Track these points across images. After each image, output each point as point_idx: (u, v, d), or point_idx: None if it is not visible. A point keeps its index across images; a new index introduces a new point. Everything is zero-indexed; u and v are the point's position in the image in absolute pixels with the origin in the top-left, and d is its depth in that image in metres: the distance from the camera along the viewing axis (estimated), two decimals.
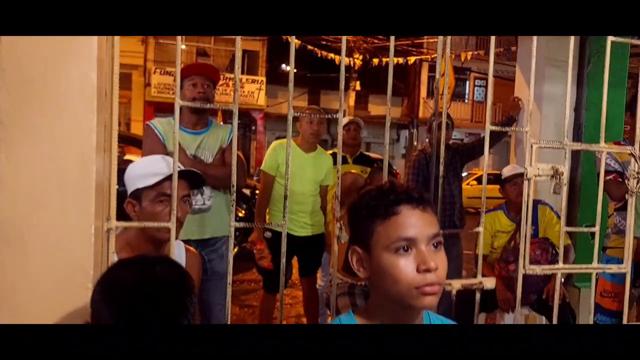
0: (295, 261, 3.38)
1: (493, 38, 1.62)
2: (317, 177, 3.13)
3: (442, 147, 1.98)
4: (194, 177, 1.67)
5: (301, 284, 3.80)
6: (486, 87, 17.67)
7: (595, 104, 3.10)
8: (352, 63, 12.80)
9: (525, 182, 1.61)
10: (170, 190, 1.54)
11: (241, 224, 1.94)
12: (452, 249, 3.38)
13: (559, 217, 2.96)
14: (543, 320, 2.88)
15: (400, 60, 12.07)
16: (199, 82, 2.44)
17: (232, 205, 1.59)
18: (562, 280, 2.84)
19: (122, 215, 1.48)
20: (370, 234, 0.95)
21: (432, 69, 16.51)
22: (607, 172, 2.36)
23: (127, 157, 5.19)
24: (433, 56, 9.80)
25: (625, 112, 2.57)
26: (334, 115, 1.61)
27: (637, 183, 1.59)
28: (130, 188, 1.57)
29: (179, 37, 1.43)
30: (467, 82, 18.18)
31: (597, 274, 2.63)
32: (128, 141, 5.42)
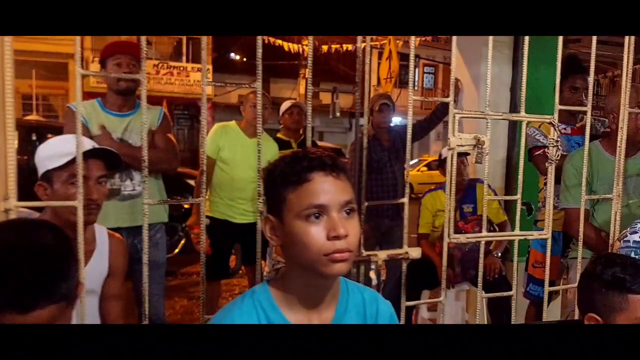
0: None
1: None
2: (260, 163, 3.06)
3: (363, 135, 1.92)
4: (110, 157, 1.58)
5: (246, 273, 3.74)
6: (436, 73, 18.07)
7: (532, 83, 3.18)
8: (301, 50, 12.69)
9: (449, 152, 1.62)
10: (84, 171, 1.44)
11: (154, 201, 1.85)
12: (396, 229, 3.41)
13: (496, 194, 3.04)
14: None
15: (350, 46, 12.04)
16: (124, 62, 2.32)
17: (145, 182, 1.50)
18: (499, 254, 2.92)
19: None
20: (283, 201, 0.93)
21: (382, 55, 16.51)
22: (536, 148, 2.43)
23: None
24: (382, 42, 9.84)
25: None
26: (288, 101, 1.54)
27: (556, 151, 1.62)
28: (40, 170, 1.49)
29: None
30: (417, 69, 18.44)
31: (528, 246, 2.73)
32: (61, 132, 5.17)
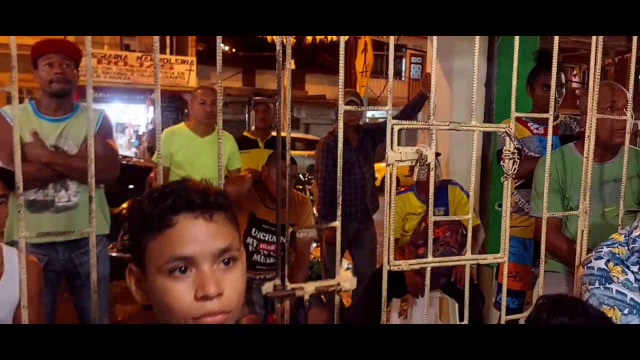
0: None
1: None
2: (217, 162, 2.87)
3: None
4: (10, 176, 1.42)
5: None
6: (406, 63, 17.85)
7: (506, 78, 3.01)
8: (286, 41, 12.38)
9: (387, 169, 1.44)
10: None
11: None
12: (365, 233, 3.25)
13: (468, 196, 2.87)
14: (455, 304, 2.81)
15: (334, 38, 11.83)
16: (56, 61, 2.10)
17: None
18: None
19: None
20: (144, 250, 0.75)
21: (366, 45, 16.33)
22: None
23: None
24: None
25: (527, 86, 2.48)
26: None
27: (513, 164, 1.45)
28: None
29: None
30: (404, 60, 18.22)
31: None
32: None
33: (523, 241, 2.38)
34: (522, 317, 1.69)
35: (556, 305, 0.88)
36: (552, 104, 1.59)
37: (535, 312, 0.90)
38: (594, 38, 1.53)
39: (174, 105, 16.43)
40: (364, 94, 5.63)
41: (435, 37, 1.53)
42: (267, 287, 1.31)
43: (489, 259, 1.59)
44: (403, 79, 18.27)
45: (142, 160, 7.05)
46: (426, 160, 1.39)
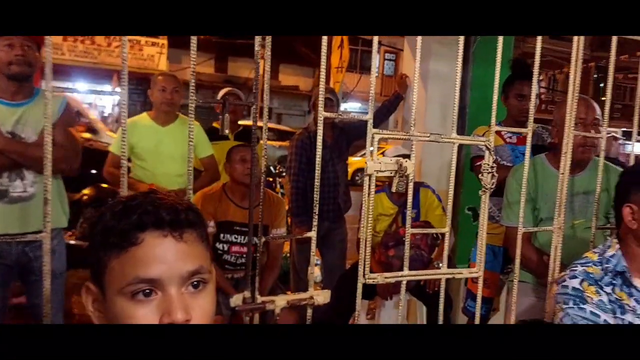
0: None
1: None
2: (183, 152, 2.78)
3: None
4: None
5: None
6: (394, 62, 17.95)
7: (480, 84, 3.04)
8: None
9: (366, 179, 1.42)
10: None
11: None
12: (336, 233, 3.24)
13: (440, 200, 2.89)
14: (423, 307, 2.83)
15: None
16: (17, 43, 1.98)
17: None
18: (440, 265, 2.78)
19: None
20: (104, 269, 0.69)
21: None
22: (478, 157, 2.28)
23: None
24: None
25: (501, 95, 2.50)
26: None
27: (492, 178, 1.45)
28: None
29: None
30: (377, 56, 18.25)
31: (468, 258, 2.60)
32: None
33: (492, 248, 2.40)
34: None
35: None
36: (531, 119, 1.59)
37: None
38: (572, 59, 1.54)
39: (142, 88, 16.02)
40: (338, 89, 5.60)
41: (419, 38, 1.51)
42: (236, 300, 1.27)
43: (464, 273, 1.59)
44: (377, 74, 18.33)
45: (103, 142, 6.84)
46: (406, 172, 1.37)
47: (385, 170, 1.40)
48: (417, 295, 2.80)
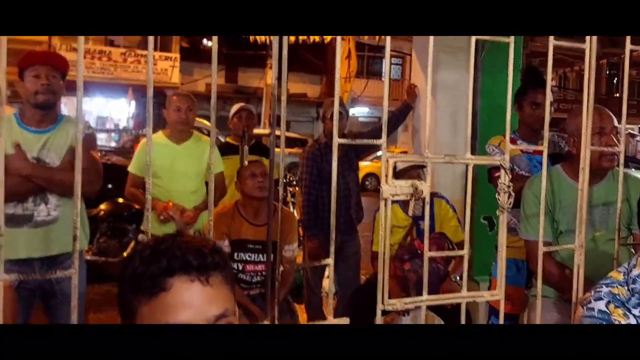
0: None
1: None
2: (197, 169, 2.81)
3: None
4: None
5: None
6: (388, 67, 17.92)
7: (490, 91, 3.00)
8: (268, 41, 12.36)
9: (381, 203, 1.39)
10: None
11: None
12: (349, 245, 3.20)
13: (454, 210, 2.85)
14: (440, 322, 2.78)
15: (317, 38, 11.79)
16: (43, 73, 2.07)
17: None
18: (458, 278, 2.74)
19: None
20: (134, 314, 0.71)
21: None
22: (495, 168, 2.23)
23: None
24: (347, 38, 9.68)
25: (514, 103, 2.45)
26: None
27: (509, 198, 1.41)
28: None
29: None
30: (384, 60, 18.26)
31: (490, 273, 2.55)
32: None
33: (516, 262, 2.34)
34: None
35: None
36: (546, 135, 1.54)
37: None
38: (586, 75, 1.49)
39: (156, 101, 16.21)
40: (347, 99, 5.58)
41: (430, 47, 1.48)
42: None
43: (486, 296, 1.56)
44: (383, 79, 18.30)
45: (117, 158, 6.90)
46: (422, 195, 1.34)
47: (400, 194, 1.37)
48: (435, 310, 2.75)
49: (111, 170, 4.72)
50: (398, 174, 2.85)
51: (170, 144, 2.80)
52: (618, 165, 1.68)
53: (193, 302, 0.69)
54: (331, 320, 1.33)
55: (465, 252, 1.51)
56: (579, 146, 1.64)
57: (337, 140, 1.34)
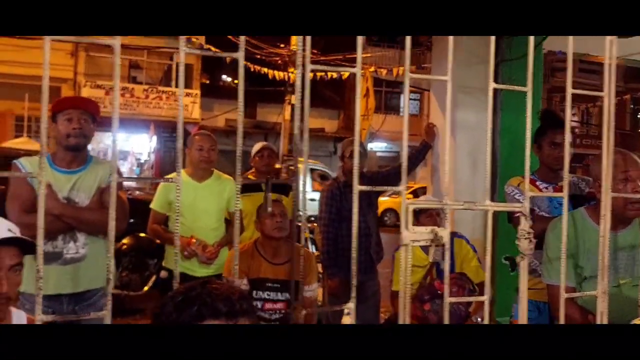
0: None
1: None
2: (218, 207, 2.87)
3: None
4: (25, 243, 1.43)
5: None
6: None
7: (510, 130, 3.02)
8: (286, 77, 12.64)
9: (402, 249, 1.40)
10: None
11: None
12: (368, 285, 3.19)
13: (475, 250, 2.83)
14: None
15: (335, 74, 12.03)
16: (75, 117, 2.18)
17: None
18: (479, 320, 2.70)
19: None
20: None
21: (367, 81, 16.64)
22: None
23: None
24: (369, 70, 9.83)
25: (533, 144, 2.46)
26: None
27: (529, 244, 1.41)
28: None
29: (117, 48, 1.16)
30: (402, 96, 18.45)
31: (511, 315, 2.51)
32: None
33: (537, 304, 2.30)
34: None
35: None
36: (566, 174, 1.55)
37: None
38: (605, 121, 1.50)
39: (176, 135, 16.56)
40: (365, 136, 5.66)
41: (449, 86, 1.51)
42: None
43: None
44: (401, 114, 18.48)
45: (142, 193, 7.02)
46: (441, 241, 1.36)
47: (420, 240, 1.39)
48: None
49: (133, 205, 4.82)
50: (417, 213, 2.86)
51: (192, 182, 2.87)
52: None
53: None
54: None
55: (486, 297, 1.51)
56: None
57: (357, 188, 1.36)
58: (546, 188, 2.35)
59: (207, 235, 2.83)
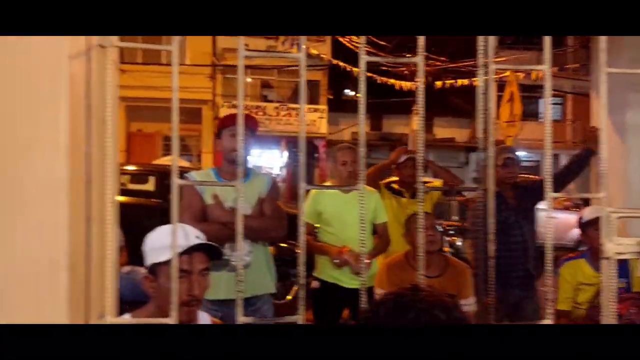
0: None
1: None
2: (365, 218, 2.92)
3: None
4: (212, 249, 1.54)
5: None
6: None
7: None
8: (414, 87, 12.48)
9: (604, 262, 1.27)
10: (187, 265, 1.40)
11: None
12: (528, 303, 2.97)
13: None
14: None
15: (466, 81, 11.62)
16: (237, 133, 2.35)
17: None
18: None
19: None
20: None
21: (500, 88, 15.77)
22: None
23: None
24: (501, 76, 9.31)
25: None
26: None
27: None
28: (147, 261, 1.46)
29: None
30: (540, 101, 17.18)
31: None
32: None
33: None
34: None
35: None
36: None
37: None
38: None
39: (306, 150, 17.25)
40: (511, 144, 5.36)
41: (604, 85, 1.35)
42: None
43: None
44: (541, 119, 17.19)
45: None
46: None
47: (626, 252, 1.26)
48: None
49: None
50: (586, 224, 2.62)
51: (338, 193, 2.97)
52: None
53: None
54: None
55: None
56: None
57: (420, 200, 1.27)
58: None
59: (356, 245, 2.87)
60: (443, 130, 17.31)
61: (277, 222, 2.38)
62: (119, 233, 2.15)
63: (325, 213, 2.95)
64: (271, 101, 16.56)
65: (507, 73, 6.80)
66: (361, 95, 1.09)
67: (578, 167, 2.96)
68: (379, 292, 2.54)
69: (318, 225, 3.01)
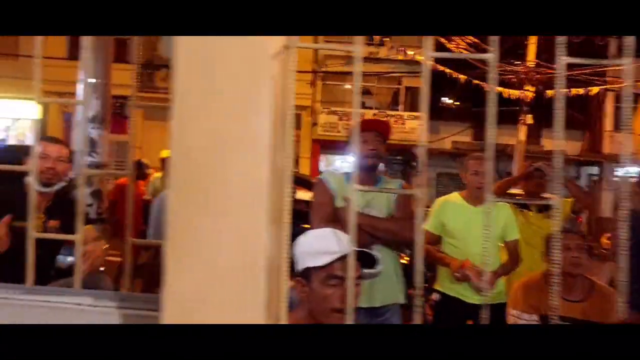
0: None
1: None
2: (492, 233, 2.75)
3: None
4: (366, 257, 1.52)
5: None
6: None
7: None
8: (522, 96, 11.83)
9: None
10: (341, 271, 1.39)
11: None
12: None
13: None
14: None
15: (581, 90, 10.83)
16: (370, 139, 2.34)
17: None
18: None
19: None
20: None
21: (618, 99, 14.45)
22: None
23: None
24: (620, 85, 8.53)
25: None
26: None
27: None
28: (299, 264, 1.47)
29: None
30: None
31: None
32: (296, 181, 5.66)
33: None
34: None
35: None
36: None
37: None
38: None
39: (402, 158, 17.08)
40: None
41: None
42: None
43: None
44: None
45: None
46: None
47: None
48: None
49: None
50: None
51: (466, 205, 2.85)
52: None
53: None
54: None
55: None
56: None
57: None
58: None
59: (478, 262, 2.73)
60: (552, 142, 16.25)
61: (411, 223, 2.33)
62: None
63: (449, 225, 2.85)
64: (370, 108, 16.57)
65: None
66: (490, 105, 0.95)
67: None
68: (513, 312, 2.38)
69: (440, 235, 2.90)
